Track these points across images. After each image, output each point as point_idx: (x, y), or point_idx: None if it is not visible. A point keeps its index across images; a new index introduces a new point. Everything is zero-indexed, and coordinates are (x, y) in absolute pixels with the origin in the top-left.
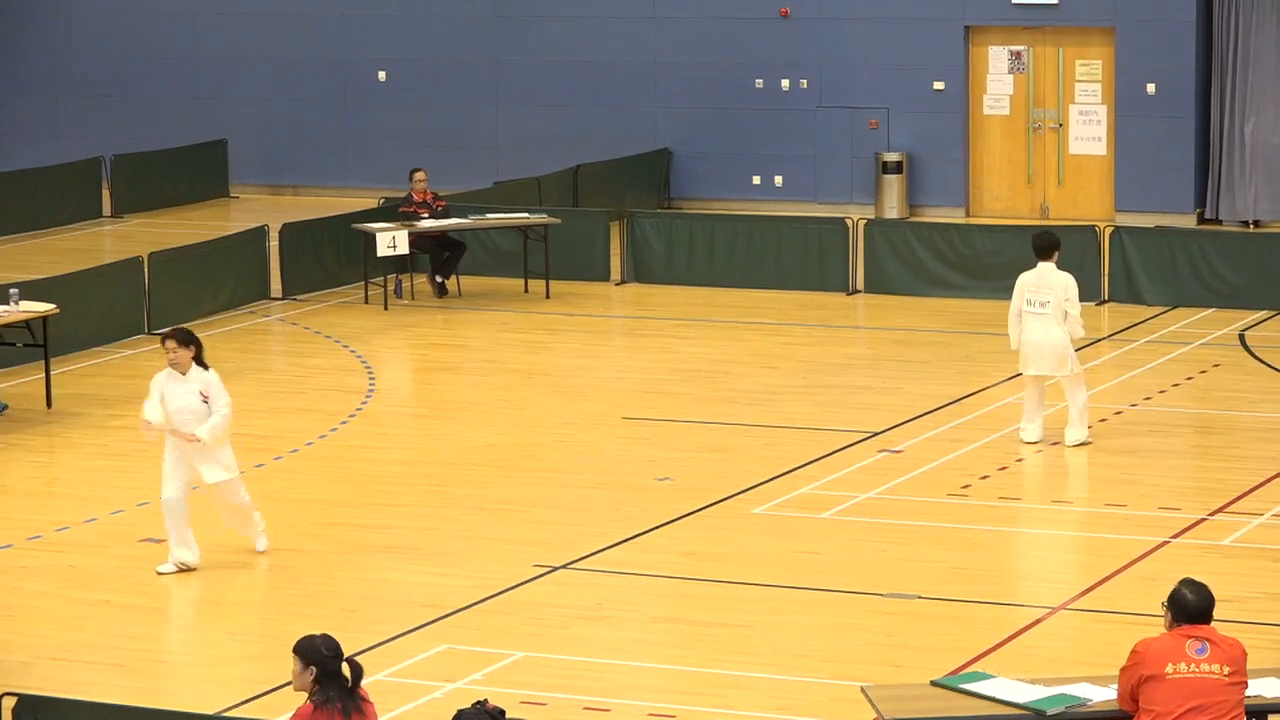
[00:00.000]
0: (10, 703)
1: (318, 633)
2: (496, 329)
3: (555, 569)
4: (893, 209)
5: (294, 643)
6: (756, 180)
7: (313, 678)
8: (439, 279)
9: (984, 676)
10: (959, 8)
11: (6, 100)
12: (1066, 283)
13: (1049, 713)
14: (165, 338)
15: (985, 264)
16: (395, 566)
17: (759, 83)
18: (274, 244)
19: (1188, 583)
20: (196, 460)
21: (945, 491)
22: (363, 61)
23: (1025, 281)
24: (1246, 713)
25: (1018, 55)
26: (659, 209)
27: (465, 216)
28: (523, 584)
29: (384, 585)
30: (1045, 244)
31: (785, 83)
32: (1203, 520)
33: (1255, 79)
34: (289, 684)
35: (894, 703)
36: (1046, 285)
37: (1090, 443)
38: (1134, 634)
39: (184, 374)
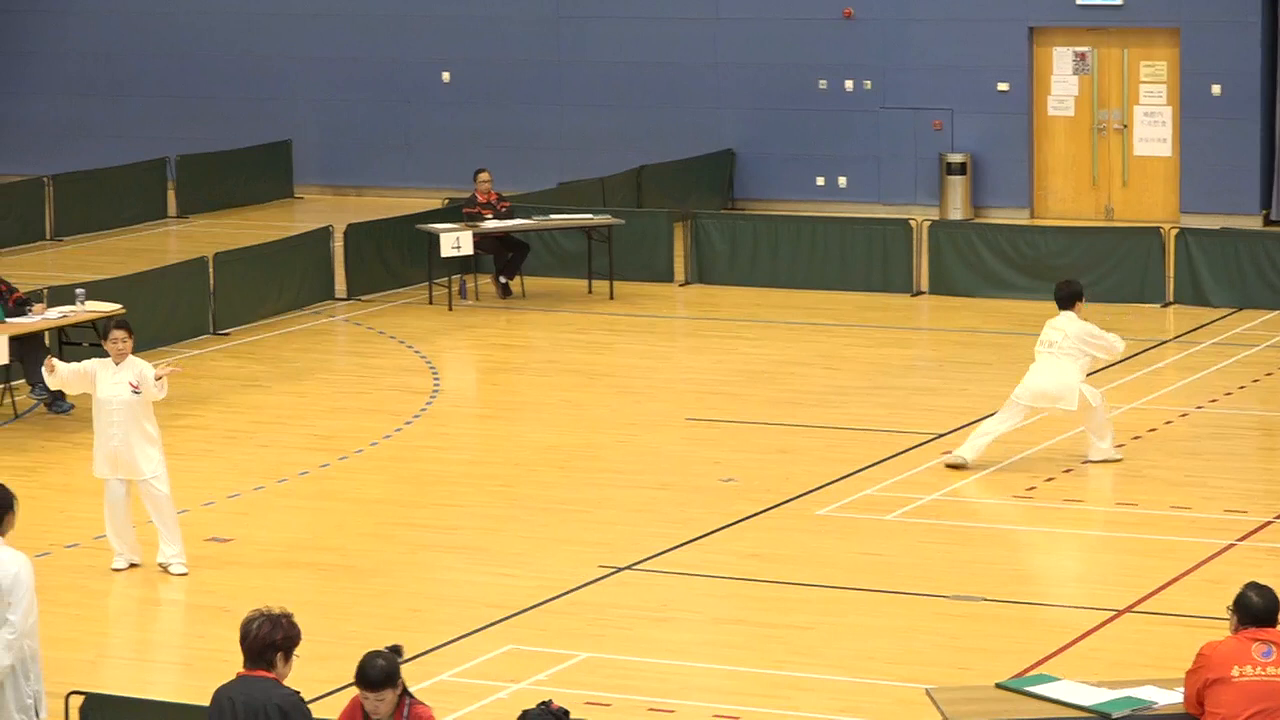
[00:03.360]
0: (77, 701)
1: (378, 654)
2: (560, 329)
3: (619, 570)
4: (957, 210)
5: (374, 676)
6: (820, 181)
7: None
8: (503, 279)
9: (1049, 679)
10: (1023, 8)
11: (72, 101)
12: (1083, 330)
13: (1114, 716)
14: (116, 325)
15: (1049, 265)
16: (460, 567)
17: (823, 83)
18: (338, 244)
19: (1254, 586)
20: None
21: (1010, 494)
22: (427, 62)
23: (1045, 327)
24: None
25: (1082, 56)
26: (722, 210)
27: (529, 217)
28: (587, 585)
29: (448, 586)
30: (1064, 294)
31: (849, 83)
32: (1269, 523)
33: None
34: (352, 684)
35: (959, 705)
36: (1058, 328)
37: (1119, 460)
38: (1200, 637)
39: (118, 365)
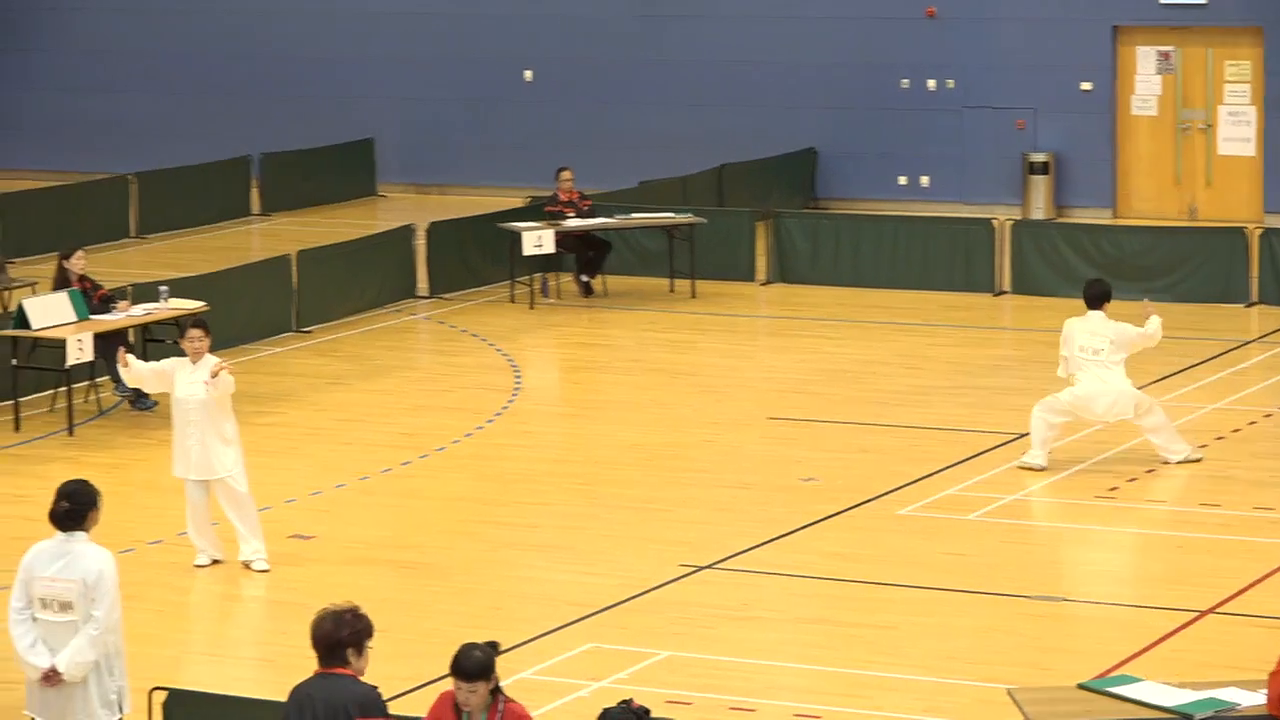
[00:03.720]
0: (160, 697)
1: (475, 646)
2: (642, 328)
3: (701, 569)
4: (1039, 210)
5: (469, 667)
6: (902, 181)
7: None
8: (584, 278)
9: (1131, 680)
10: (1107, 8)
11: (157, 100)
12: (1118, 330)
13: (1197, 717)
14: (193, 324)
15: (1132, 265)
16: (541, 565)
17: (905, 83)
18: (421, 243)
19: None
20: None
21: (1092, 494)
22: (509, 61)
23: (1077, 328)
24: None
25: (1166, 55)
26: (804, 209)
27: (611, 216)
28: (668, 583)
29: (530, 584)
30: (1095, 294)
31: (931, 83)
32: None
33: None
34: (437, 680)
35: (1040, 705)
36: (1098, 333)
37: (1199, 459)
38: None
39: (195, 364)
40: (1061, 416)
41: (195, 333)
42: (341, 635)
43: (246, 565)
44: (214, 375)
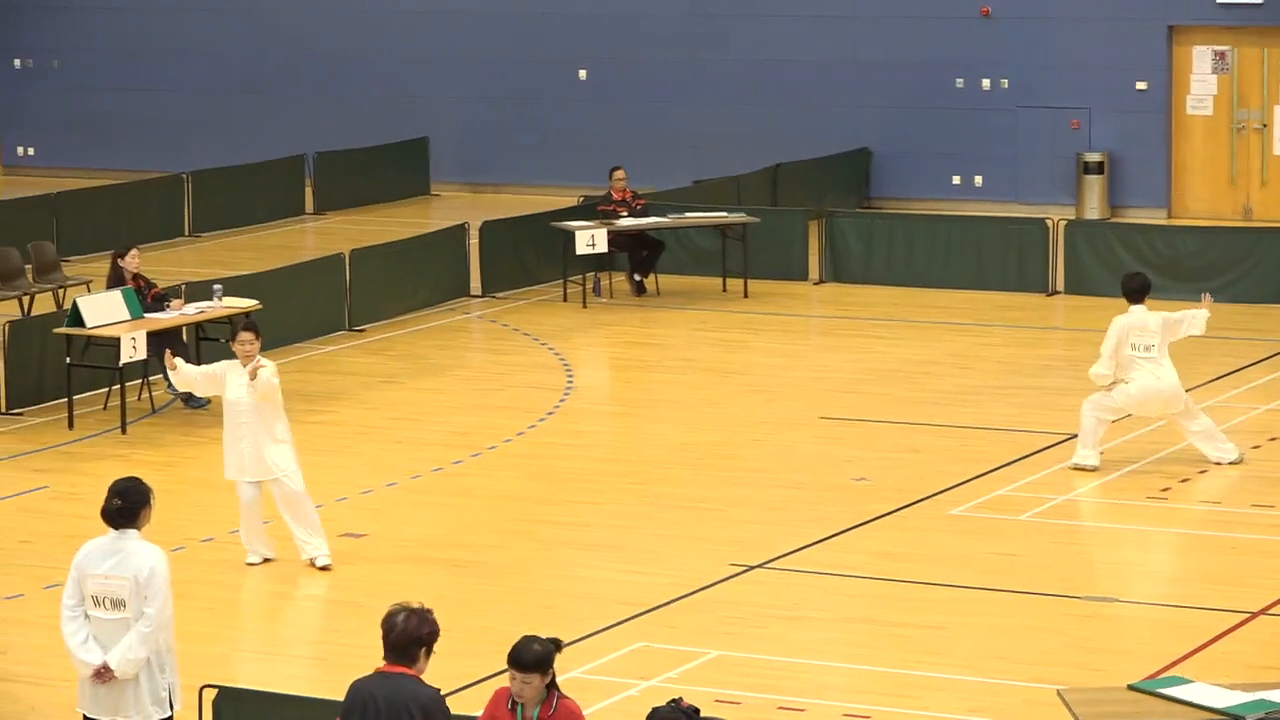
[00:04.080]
0: (210, 694)
1: (534, 639)
2: (694, 328)
3: (751, 568)
4: (1094, 209)
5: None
6: (956, 180)
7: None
8: (637, 277)
9: (1182, 681)
10: (1162, 7)
11: (212, 99)
12: (1163, 319)
13: (1248, 718)
14: (244, 327)
15: (1187, 265)
16: (593, 564)
17: (959, 82)
18: (474, 242)
19: None
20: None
21: (1144, 494)
22: (564, 60)
23: (1126, 326)
24: None
25: (1221, 55)
26: (858, 209)
27: (664, 215)
28: (719, 583)
29: (581, 582)
30: (1137, 286)
31: (986, 82)
32: None
33: None
34: (488, 678)
35: (1091, 706)
36: (1148, 329)
37: (1242, 460)
38: None
39: (245, 367)
40: (1114, 415)
41: (246, 335)
42: (422, 633)
43: (311, 563)
44: (252, 377)
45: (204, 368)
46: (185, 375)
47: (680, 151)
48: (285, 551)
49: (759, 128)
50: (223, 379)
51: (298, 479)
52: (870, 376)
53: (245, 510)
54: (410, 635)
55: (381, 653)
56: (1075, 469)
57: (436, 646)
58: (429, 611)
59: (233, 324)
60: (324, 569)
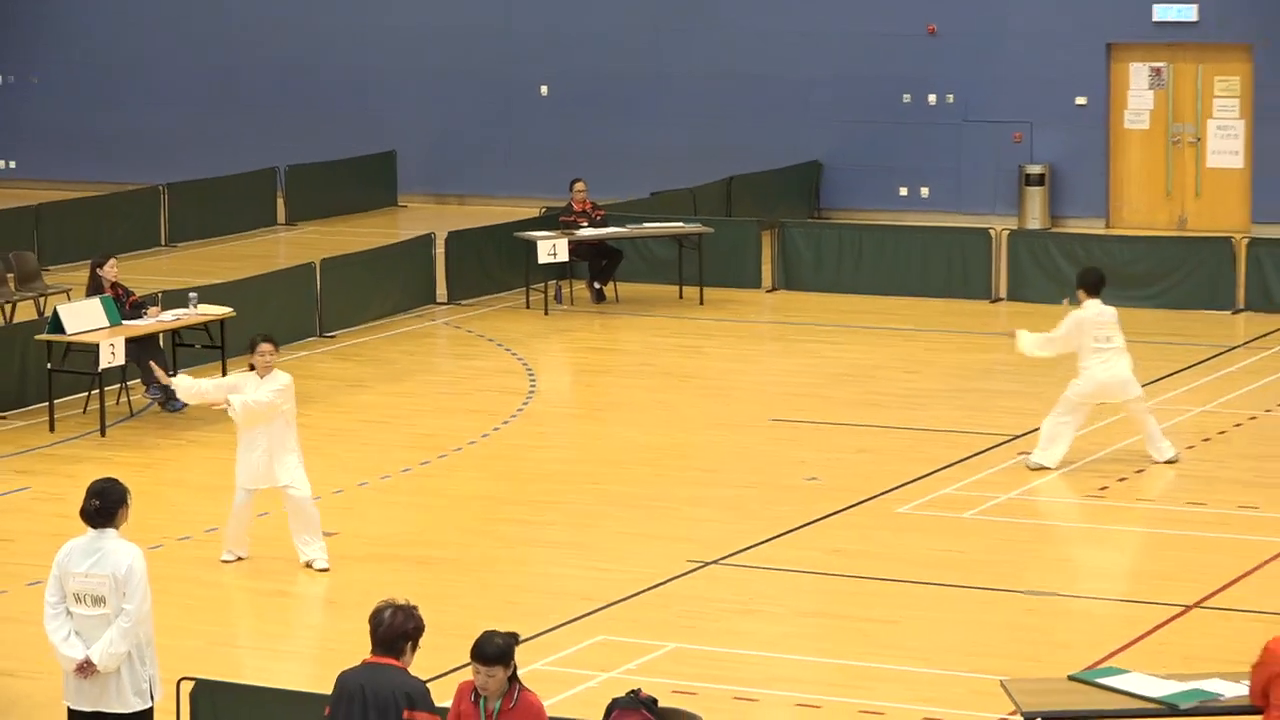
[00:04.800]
0: (188, 686)
1: (496, 633)
2: (652, 333)
3: (707, 564)
4: (1035, 220)
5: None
6: (903, 192)
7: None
8: (597, 285)
9: (1119, 671)
10: (1100, 26)
11: (188, 114)
12: (1114, 313)
13: (1182, 707)
14: (263, 339)
15: (1124, 273)
16: (555, 560)
17: (906, 97)
18: (440, 251)
19: None
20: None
21: (1083, 493)
22: (525, 77)
23: (1084, 320)
24: None
25: (1157, 72)
26: (809, 219)
27: (623, 225)
28: (676, 578)
29: (544, 578)
30: (1096, 279)
31: (932, 97)
32: None
33: None
34: (452, 671)
35: (1032, 696)
36: (1110, 322)
37: (1178, 459)
38: (1265, 632)
39: (262, 379)
40: (1071, 414)
41: (265, 347)
42: (408, 628)
43: (309, 565)
44: (263, 374)
45: (219, 380)
46: (196, 389)
47: (638, 164)
48: (259, 549)
49: (713, 142)
50: (240, 391)
51: (305, 486)
52: (820, 380)
53: (237, 512)
54: (397, 630)
55: (363, 647)
56: (1031, 468)
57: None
58: (415, 608)
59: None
60: (322, 570)
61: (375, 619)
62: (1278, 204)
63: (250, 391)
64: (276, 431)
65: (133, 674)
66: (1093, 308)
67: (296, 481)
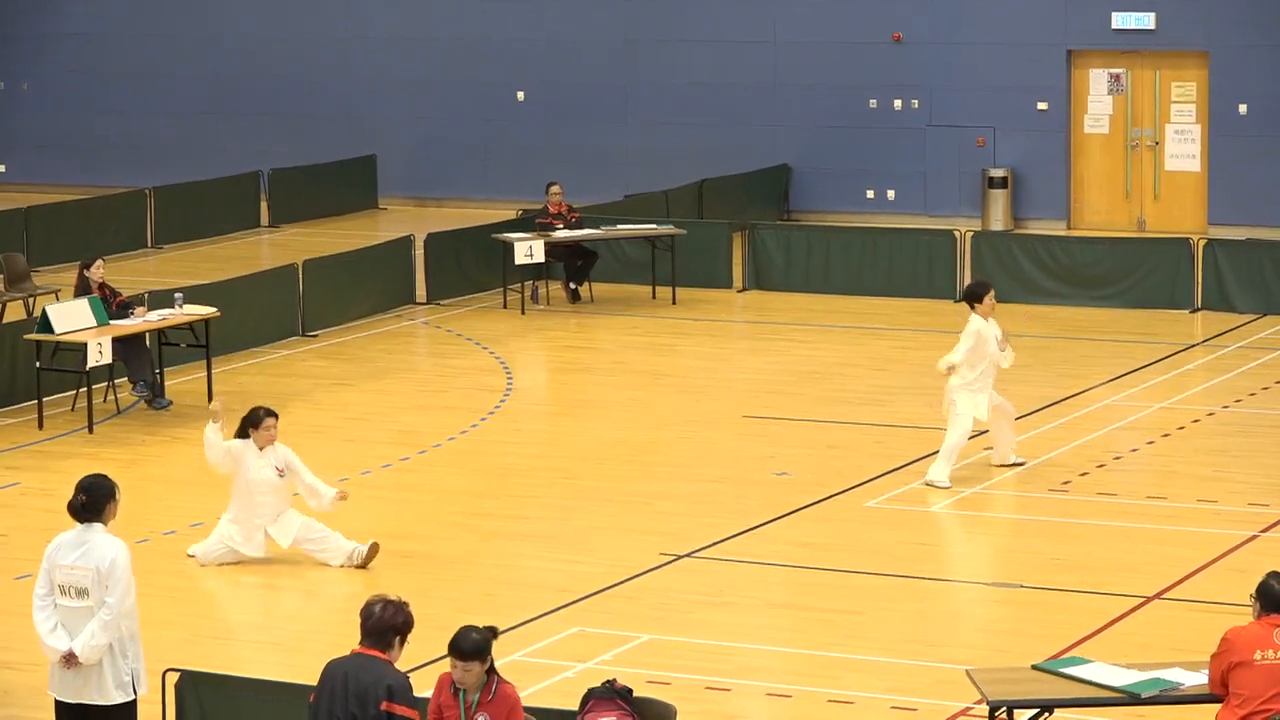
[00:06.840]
0: (173, 678)
1: (473, 628)
2: (626, 332)
3: (680, 557)
4: (998, 221)
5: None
6: (870, 194)
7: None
8: (572, 285)
9: (1082, 661)
10: (1061, 33)
11: (174, 119)
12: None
13: (1143, 696)
14: (267, 413)
15: (1085, 273)
16: (531, 554)
17: (873, 103)
18: (419, 252)
19: (1275, 575)
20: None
21: (1047, 487)
22: (503, 83)
23: (986, 332)
24: None
25: (1117, 78)
26: (778, 221)
27: (597, 227)
28: (650, 571)
29: (520, 571)
30: (986, 291)
31: (898, 103)
32: None
33: None
34: (432, 661)
35: (997, 685)
36: (993, 336)
37: (1023, 464)
38: (1224, 623)
39: (262, 449)
40: (961, 434)
41: (271, 421)
42: (397, 622)
43: (348, 563)
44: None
45: (227, 444)
46: (216, 445)
47: (612, 168)
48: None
49: (686, 145)
50: (239, 459)
51: (312, 523)
52: (790, 377)
53: (238, 553)
54: (386, 623)
55: (346, 638)
56: (929, 485)
57: None
58: (406, 604)
59: (255, 415)
60: (359, 567)
61: (366, 611)
62: (1233, 206)
63: (253, 460)
64: (282, 497)
65: (114, 667)
66: (979, 320)
67: (300, 523)
